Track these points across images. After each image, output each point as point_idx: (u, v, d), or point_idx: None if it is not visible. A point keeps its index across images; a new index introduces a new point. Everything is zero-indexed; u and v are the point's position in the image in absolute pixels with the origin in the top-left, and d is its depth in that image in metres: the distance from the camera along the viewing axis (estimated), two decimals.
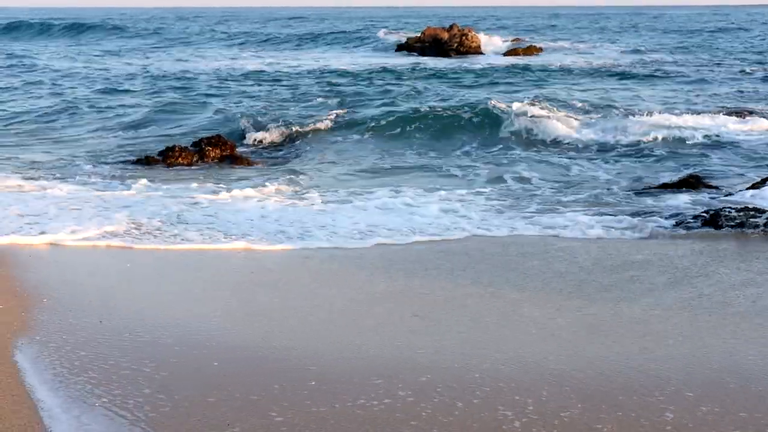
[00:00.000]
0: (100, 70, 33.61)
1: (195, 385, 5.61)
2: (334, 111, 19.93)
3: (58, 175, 13.41)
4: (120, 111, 21.41)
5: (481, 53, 41.84)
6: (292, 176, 13.58)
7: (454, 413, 5.25)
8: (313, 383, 5.63)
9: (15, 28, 68.60)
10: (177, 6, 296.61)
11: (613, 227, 9.94)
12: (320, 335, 6.56)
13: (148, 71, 32.74)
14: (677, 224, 9.98)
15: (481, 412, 5.26)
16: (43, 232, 9.49)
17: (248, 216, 10.44)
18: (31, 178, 13.03)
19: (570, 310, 7.09)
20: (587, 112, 20.03)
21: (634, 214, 10.60)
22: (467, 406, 5.35)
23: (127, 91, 25.69)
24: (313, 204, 11.19)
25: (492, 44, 45.44)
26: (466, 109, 18.46)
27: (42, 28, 67.75)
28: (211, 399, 5.43)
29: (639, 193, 12.19)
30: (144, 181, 12.83)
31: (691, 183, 12.38)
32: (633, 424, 5.13)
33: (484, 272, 8.18)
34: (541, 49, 43.93)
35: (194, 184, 12.66)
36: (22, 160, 15.09)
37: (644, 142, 15.91)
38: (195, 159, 15.00)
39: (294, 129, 17.65)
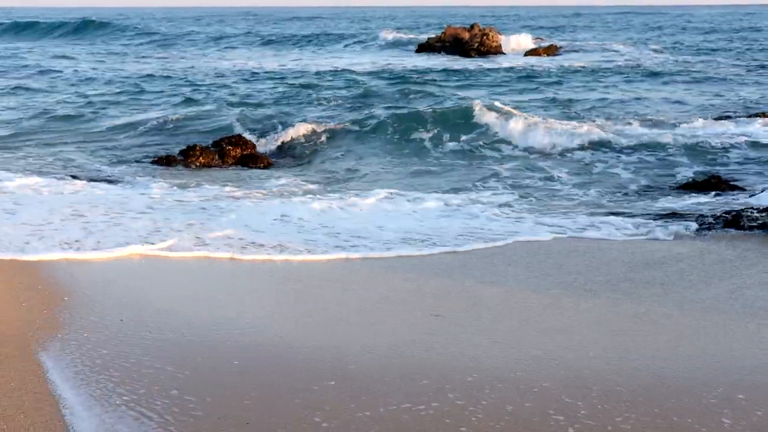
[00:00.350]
0: (117, 69, 33.55)
1: (224, 386, 5.39)
2: (354, 111, 19.72)
3: (77, 177, 13.19)
4: (138, 110, 21.30)
5: (502, 53, 41.52)
6: (313, 177, 13.41)
7: (504, 418, 5.00)
8: (355, 385, 5.39)
9: (29, 27, 68.89)
10: (179, 6, 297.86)
11: (637, 229, 9.73)
12: (359, 336, 6.34)
13: (165, 71, 32.68)
14: (700, 225, 9.80)
15: (532, 417, 5.02)
16: (62, 236, 9.23)
17: (271, 218, 10.20)
18: (51, 179, 12.82)
19: (607, 311, 6.88)
20: (607, 112, 19.74)
21: (656, 216, 10.42)
22: (518, 410, 5.10)
23: (145, 90, 25.59)
24: (335, 207, 10.90)
25: (512, 44, 45.06)
26: (485, 109, 18.07)
27: (55, 27, 67.94)
28: (248, 402, 5.21)
29: (661, 194, 12.04)
30: (165, 182, 12.64)
31: (713, 184, 12.24)
32: (690, 430, 4.84)
33: (522, 275, 7.95)
34: (562, 48, 43.61)
35: (216, 186, 12.45)
36: (36, 161, 14.94)
37: (665, 143, 15.60)
38: (215, 159, 14.81)
39: (314, 129, 17.40)
